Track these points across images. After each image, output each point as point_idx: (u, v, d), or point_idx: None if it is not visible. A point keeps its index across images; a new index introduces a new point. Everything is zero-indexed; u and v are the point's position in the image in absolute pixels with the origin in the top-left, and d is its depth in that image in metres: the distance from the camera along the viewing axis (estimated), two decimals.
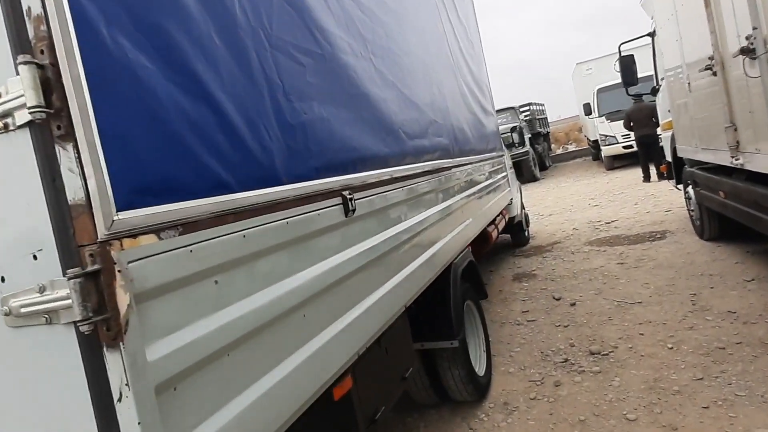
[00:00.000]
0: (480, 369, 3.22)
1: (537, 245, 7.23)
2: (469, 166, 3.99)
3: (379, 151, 2.11)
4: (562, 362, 3.44)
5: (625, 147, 13.56)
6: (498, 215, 5.40)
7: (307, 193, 1.50)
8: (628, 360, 3.27)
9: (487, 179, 4.78)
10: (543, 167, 18.80)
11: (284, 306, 1.31)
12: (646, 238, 6.25)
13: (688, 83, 4.24)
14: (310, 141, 1.58)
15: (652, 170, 10.95)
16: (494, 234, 4.90)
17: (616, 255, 5.80)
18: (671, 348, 3.30)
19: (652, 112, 11.09)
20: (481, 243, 4.55)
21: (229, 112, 1.23)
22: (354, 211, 1.76)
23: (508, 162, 6.98)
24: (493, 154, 5.44)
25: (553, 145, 25.62)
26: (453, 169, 3.38)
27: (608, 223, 7.63)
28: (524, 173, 15.53)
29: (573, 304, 4.52)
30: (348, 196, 1.73)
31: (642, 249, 5.83)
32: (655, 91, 6.72)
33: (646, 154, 11.10)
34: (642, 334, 3.59)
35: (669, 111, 5.67)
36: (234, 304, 1.14)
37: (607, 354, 3.41)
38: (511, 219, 6.45)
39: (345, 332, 1.58)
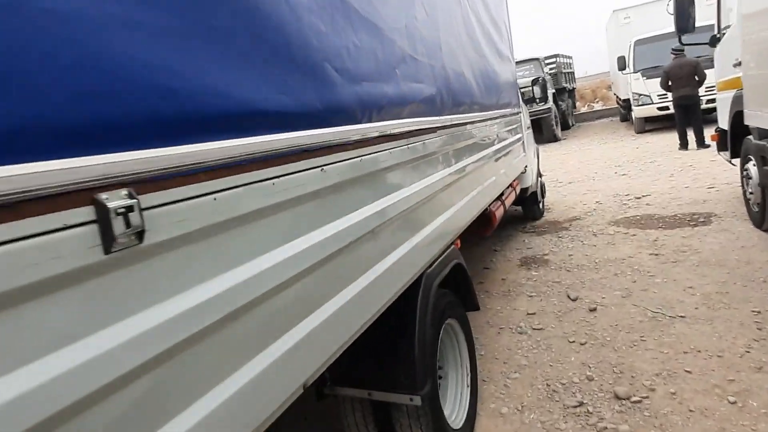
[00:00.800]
0: (458, 419, 2.29)
1: (552, 220, 6.19)
2: (469, 126, 2.93)
3: (259, 100, 1.08)
4: (575, 407, 2.50)
5: (660, 108, 12.14)
6: (507, 187, 4.35)
7: None
8: (670, 416, 2.31)
9: (494, 144, 3.71)
10: (565, 126, 17.40)
11: None
12: (686, 222, 5.18)
13: None
14: None
15: (691, 136, 9.66)
16: (499, 213, 3.87)
17: (648, 242, 4.76)
18: (734, 403, 2.32)
19: (695, 69, 9.69)
20: (480, 225, 3.55)
21: None
22: (141, 234, 0.77)
23: (526, 120, 5.85)
24: (507, 111, 4.33)
25: (578, 103, 23.95)
26: (439, 132, 2.33)
27: (638, 198, 6.53)
28: (544, 132, 14.26)
29: (593, 309, 3.54)
30: (119, 207, 0.73)
31: (681, 236, 4.77)
32: (714, 41, 5.44)
33: (684, 117, 9.78)
34: (689, 372, 2.62)
35: (736, 65, 4.46)
36: None
37: (639, 401, 2.45)
38: (524, 190, 5.39)
39: None
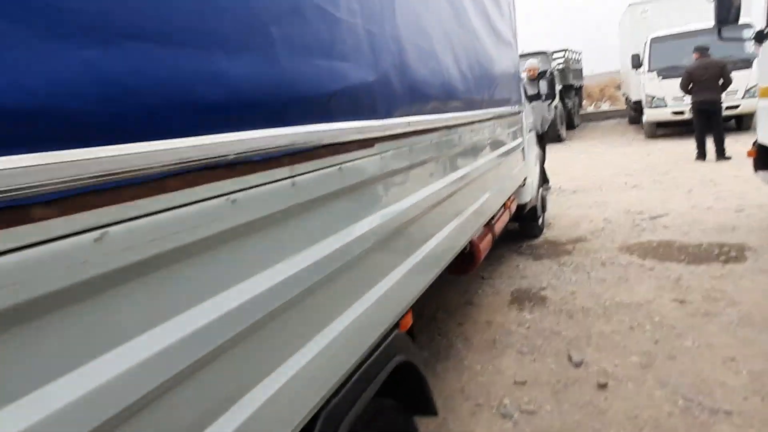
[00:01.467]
0: None
1: (553, 240, 5.28)
2: (441, 134, 1.99)
3: None
4: None
5: (674, 113, 11.21)
6: (500, 208, 3.43)
7: None
8: None
9: (482, 156, 2.77)
10: (570, 126, 16.45)
11: None
12: (714, 255, 4.26)
13: None
14: None
15: (710, 146, 8.69)
16: (485, 244, 2.96)
17: (670, 282, 3.85)
18: None
19: (721, 71, 8.71)
20: (458, 262, 2.63)
21: None
22: None
23: (529, 119, 4.91)
24: (504, 109, 3.38)
25: (584, 102, 22.97)
26: (379, 147, 1.40)
27: (654, 218, 5.61)
28: (548, 132, 13.28)
29: (603, 386, 2.63)
30: None
31: (710, 276, 3.86)
32: (762, 37, 4.49)
33: (704, 124, 8.81)
34: None
35: None
36: None
37: None
38: (521, 206, 4.46)
39: None
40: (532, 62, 7.13)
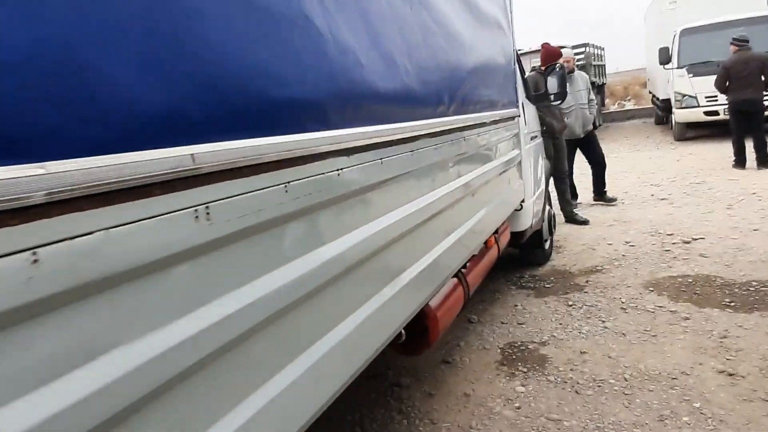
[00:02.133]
0: None
1: (562, 269, 4.36)
2: (360, 158, 1.13)
3: None
4: None
5: (707, 113, 10.11)
6: (481, 246, 2.55)
7: None
8: None
9: (445, 184, 1.90)
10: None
11: None
12: None
13: None
14: None
15: (750, 152, 7.61)
16: (449, 309, 2.09)
17: (713, 339, 2.92)
18: None
19: (763, 66, 7.62)
20: (407, 341, 1.78)
21: None
22: None
23: (531, 126, 4.01)
24: (490, 114, 2.49)
25: (607, 100, 21.74)
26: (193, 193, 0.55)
27: (687, 242, 4.64)
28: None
29: None
30: None
31: (767, 333, 2.92)
32: None
33: (744, 127, 7.71)
34: None
35: None
36: None
37: None
38: (518, 234, 3.57)
39: None
40: (568, 52, 6.41)
